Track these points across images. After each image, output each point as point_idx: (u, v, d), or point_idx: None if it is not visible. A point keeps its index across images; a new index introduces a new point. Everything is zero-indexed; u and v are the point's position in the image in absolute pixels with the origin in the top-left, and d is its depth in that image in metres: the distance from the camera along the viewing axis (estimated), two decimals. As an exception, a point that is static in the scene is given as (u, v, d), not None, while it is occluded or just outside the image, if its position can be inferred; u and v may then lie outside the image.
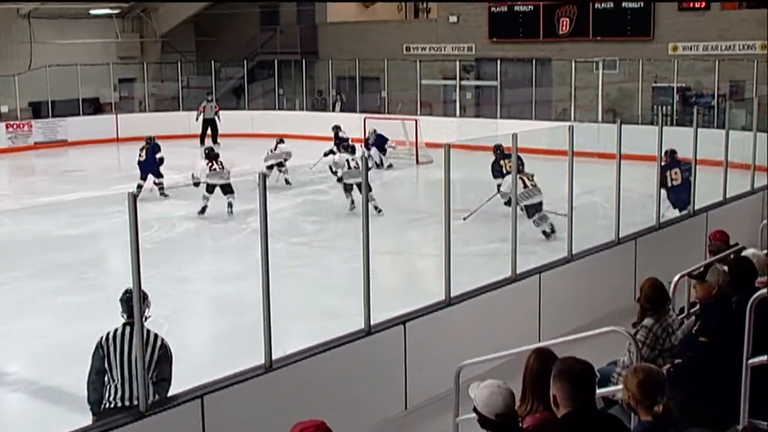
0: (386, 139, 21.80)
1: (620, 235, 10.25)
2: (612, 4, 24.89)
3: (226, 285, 11.58)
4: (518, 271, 8.76)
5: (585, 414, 4.05)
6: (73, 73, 27.60)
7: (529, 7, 26.45)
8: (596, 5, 25.12)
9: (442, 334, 7.86)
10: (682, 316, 6.92)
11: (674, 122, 22.33)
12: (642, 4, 24.39)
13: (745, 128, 16.93)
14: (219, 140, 25.99)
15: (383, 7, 31.44)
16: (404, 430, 7.38)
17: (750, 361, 5.11)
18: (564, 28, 25.83)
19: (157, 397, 5.88)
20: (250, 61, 31.36)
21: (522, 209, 13.50)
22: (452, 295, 7.97)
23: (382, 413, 7.34)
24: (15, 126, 26.57)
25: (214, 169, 16.43)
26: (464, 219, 14.16)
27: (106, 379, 5.92)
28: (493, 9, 27.15)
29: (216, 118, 26.89)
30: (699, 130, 11.78)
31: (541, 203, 13.95)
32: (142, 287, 5.77)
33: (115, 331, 5.97)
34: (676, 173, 13.38)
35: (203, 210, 16.22)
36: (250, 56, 31.72)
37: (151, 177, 18.19)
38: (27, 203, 17.85)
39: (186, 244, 14.59)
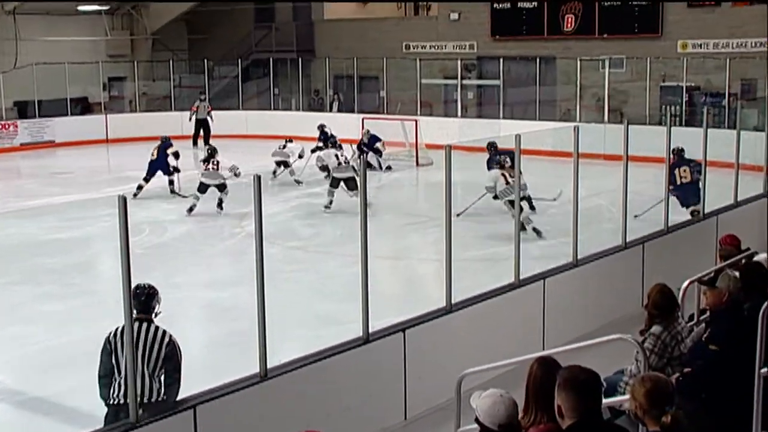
0: (378, 139, 21.76)
1: (627, 240, 10.25)
2: (619, 1, 24.90)
3: (219, 291, 11.58)
4: (521, 277, 8.76)
5: (591, 425, 4.06)
6: (60, 72, 27.57)
7: (533, 3, 26.48)
8: (602, 2, 25.14)
9: (442, 341, 7.86)
10: (691, 323, 6.92)
11: (683, 122, 22.35)
12: (650, 0, 24.41)
13: (757, 128, 16.99)
14: (211, 142, 25.95)
15: (382, 4, 31.47)
16: (404, 441, 7.39)
17: (762, 370, 5.11)
18: (569, 25, 25.86)
19: (165, 395, 5.99)
20: (244, 59, 31.36)
21: (506, 205, 14.17)
22: (453, 301, 7.96)
23: (381, 424, 7.34)
24: (0, 126, 26.57)
25: (208, 169, 16.77)
26: (458, 215, 14.18)
27: (114, 376, 6.00)
28: (495, 5, 27.17)
29: (209, 118, 26.88)
30: (709, 130, 11.81)
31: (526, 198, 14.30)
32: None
33: (124, 326, 5.98)
34: (684, 171, 13.62)
35: (191, 209, 16.49)
36: (245, 54, 31.74)
37: (156, 179, 18.32)
38: (13, 206, 17.84)
39: (178, 248, 14.59)
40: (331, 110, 29.11)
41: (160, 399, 6.00)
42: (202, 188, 16.61)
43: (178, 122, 27.57)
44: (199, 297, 11.73)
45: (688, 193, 13.36)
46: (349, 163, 17.30)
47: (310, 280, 12.35)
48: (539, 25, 26.34)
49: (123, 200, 5.51)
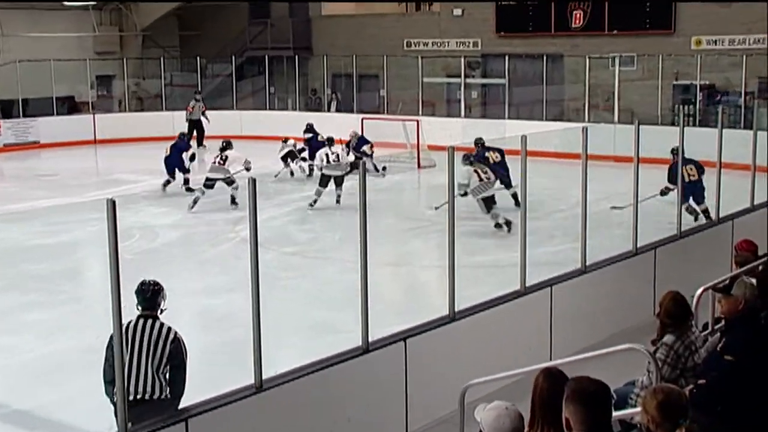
0: (366, 141, 21.63)
1: (638, 245, 10.25)
2: (629, -4, 24.94)
3: (213, 298, 11.58)
4: (528, 284, 8.76)
5: (600, 438, 4.06)
6: (46, 69, 27.56)
7: (540, -2, 26.52)
8: (612, -3, 25.18)
9: (445, 351, 7.86)
10: (705, 332, 6.93)
11: (697, 122, 22.38)
12: (662, -6, 24.45)
13: (774, 128, 16.97)
14: (205, 143, 26.00)
15: None
16: (405, 455, 7.39)
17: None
18: (577, 21, 25.88)
19: (168, 393, 6.18)
20: (238, 57, 31.40)
21: (479, 203, 14.64)
22: (457, 309, 7.96)
23: (381, 437, 7.35)
24: (-17, 127, 26.64)
25: (215, 163, 17.38)
26: (435, 209, 14.41)
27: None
28: (500, 1, 27.20)
29: (203, 118, 26.85)
30: (724, 130, 11.81)
31: (494, 197, 14.99)
32: (161, 282, 6.25)
33: (129, 323, 6.20)
34: (691, 169, 13.98)
35: (195, 202, 16.99)
36: (239, 52, 31.77)
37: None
38: (-4, 211, 17.85)
39: (169, 254, 14.59)
40: (328, 110, 29.15)
41: (163, 396, 6.18)
42: (208, 183, 17.19)
43: (169, 122, 27.58)
44: (192, 305, 11.70)
45: (697, 191, 13.87)
46: (339, 160, 17.51)
47: (307, 287, 12.36)
48: (546, 22, 26.36)
49: (112, 204, 5.51)
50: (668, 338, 6.19)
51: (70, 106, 29.47)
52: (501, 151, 16.64)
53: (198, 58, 30.62)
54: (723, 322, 6.68)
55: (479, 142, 16.91)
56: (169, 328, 6.27)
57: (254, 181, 6.31)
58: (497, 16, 27.34)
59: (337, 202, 17.39)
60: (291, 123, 27.11)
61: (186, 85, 30.65)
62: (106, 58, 31.13)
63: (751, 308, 6.22)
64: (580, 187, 9.47)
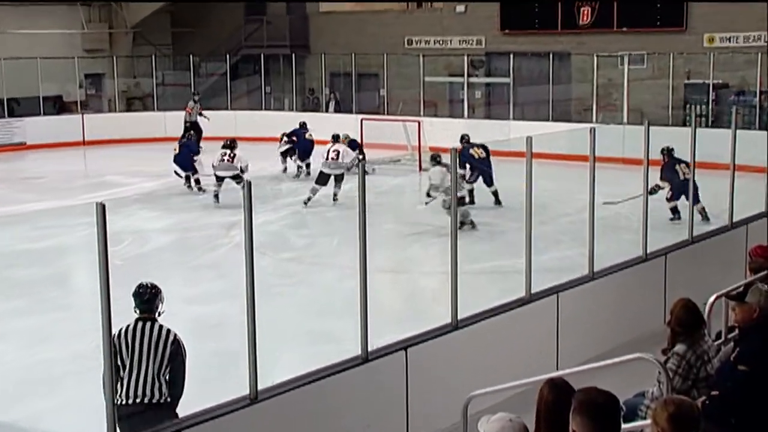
0: (357, 146, 21.60)
1: (648, 250, 10.25)
2: (639, -8, 24.95)
3: (206, 306, 11.58)
4: (533, 291, 8.76)
5: (609, 452, 4.06)
6: (32, 68, 27.55)
7: (546, -6, 26.54)
8: (621, -7, 25.19)
9: (447, 361, 7.86)
10: (718, 341, 6.92)
11: (709, 123, 22.38)
12: (673, -10, 24.46)
13: (791, 129, 16.98)
14: (202, 144, 25.94)
15: (382, -5, 31.56)
16: (406, 469, 7.39)
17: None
18: (585, 18, 25.90)
19: (169, 397, 6.36)
20: (233, 55, 31.43)
21: (443, 203, 14.88)
22: (459, 317, 7.97)
23: (381, 450, 7.34)
24: (-33, 127, 26.66)
25: (223, 161, 18.16)
26: (426, 204, 15.34)
27: (121, 374, 6.36)
28: (505, -3, 27.25)
29: (201, 119, 26.74)
30: (738, 131, 11.80)
31: (464, 197, 15.57)
32: (161, 287, 6.48)
33: (127, 327, 6.42)
34: (686, 167, 14.36)
35: (216, 196, 17.99)
36: (233, 50, 31.79)
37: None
38: (-19, 214, 17.85)
39: (161, 260, 14.59)
40: (327, 110, 29.16)
41: (163, 401, 6.35)
42: (219, 181, 18.04)
43: (161, 123, 27.63)
44: (184, 313, 11.65)
45: (684, 189, 13.98)
46: (338, 158, 17.61)
47: (304, 294, 12.36)
48: (553, 19, 26.39)
49: (101, 207, 5.51)
50: (679, 348, 6.19)
51: (58, 105, 29.49)
52: (486, 148, 17.34)
53: (191, 57, 30.63)
54: (737, 331, 6.68)
55: (464, 138, 17.80)
56: (169, 330, 6.46)
57: (249, 183, 6.31)
58: (501, 12, 27.36)
59: (334, 200, 17.46)
60: (288, 124, 27.00)
61: (179, 84, 30.66)
62: (96, 56, 31.13)
63: (765, 316, 6.22)
64: (587, 190, 9.47)
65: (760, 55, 22.31)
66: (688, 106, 23.49)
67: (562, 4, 26.18)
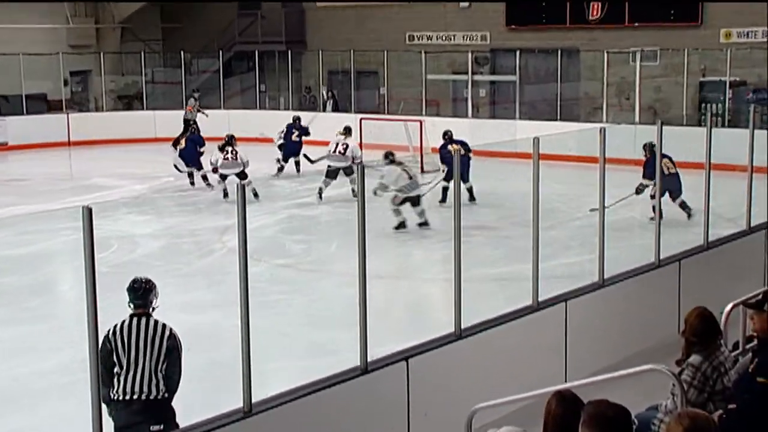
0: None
1: (661, 256, 10.25)
2: (652, -15, 24.96)
3: (198, 315, 11.56)
4: (540, 299, 8.76)
5: (621, 467, 4.06)
6: (15, 64, 27.58)
7: (554, -12, 26.57)
8: (633, -14, 25.21)
9: (451, 372, 7.86)
10: (736, 352, 6.92)
11: (726, 123, 22.39)
12: (687, -17, 24.45)
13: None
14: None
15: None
16: (407, 486, 7.38)
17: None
18: (595, 12, 25.92)
19: (166, 393, 6.50)
20: (226, 51, 31.47)
21: (393, 202, 15.57)
22: (463, 326, 7.96)
23: (381, 466, 7.34)
24: (-53, 127, 26.66)
25: (227, 159, 18.73)
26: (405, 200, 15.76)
27: (116, 371, 6.51)
28: (511, -9, 27.28)
29: (200, 116, 26.69)
30: (756, 131, 11.80)
31: (420, 196, 15.96)
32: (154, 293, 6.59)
33: (122, 323, 6.57)
34: (668, 161, 14.70)
35: (225, 194, 18.40)
36: (226, 46, 31.83)
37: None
38: (-40, 218, 17.85)
39: (150, 266, 14.54)
40: (324, 110, 29.13)
41: (161, 397, 6.49)
42: (223, 177, 18.59)
43: (150, 123, 27.64)
44: (175, 322, 11.68)
45: (675, 185, 14.80)
46: (345, 153, 18.24)
47: (300, 302, 12.36)
48: (561, 13, 26.40)
49: (88, 211, 5.51)
50: (695, 358, 6.19)
51: (42, 104, 29.44)
52: (465, 145, 17.88)
53: (182, 53, 30.65)
54: (755, 341, 6.67)
55: (447, 134, 18.41)
56: (164, 325, 6.61)
57: (243, 187, 6.33)
58: (507, 7, 27.38)
59: (354, 195, 17.56)
60: (283, 123, 27.12)
61: (169, 82, 30.65)
62: (82, 53, 31.15)
63: (785, 325, 6.22)
64: (597, 193, 9.47)
65: (778, 51, 22.35)
66: (703, 104, 23.51)
67: (571, -1, 26.22)
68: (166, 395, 6.53)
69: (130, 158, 24.60)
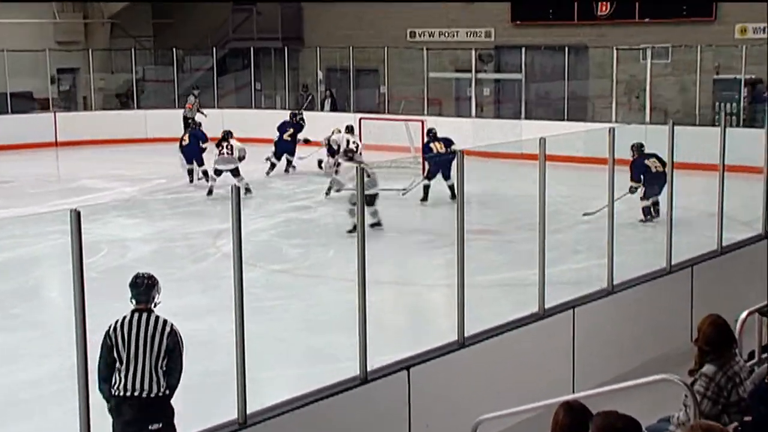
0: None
1: (673, 262, 10.25)
2: (663, -21, 24.95)
3: (191, 322, 11.44)
4: (547, 306, 8.77)
5: (631, 481, 4.06)
6: (-1, 61, 27.62)
7: (561, -17, 26.57)
8: (643, -20, 25.21)
9: (454, 382, 7.87)
10: (752, 362, 6.92)
11: (741, 122, 22.36)
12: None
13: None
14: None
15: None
16: (408, 500, 7.39)
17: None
18: (604, 8, 25.93)
19: (167, 389, 6.62)
20: (219, 48, 31.46)
21: (349, 202, 15.51)
22: (467, 334, 7.97)
23: (381, 479, 7.35)
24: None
25: (222, 154, 19.28)
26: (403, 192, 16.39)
27: (116, 366, 6.66)
28: (516, -14, 27.29)
29: (199, 114, 26.63)
30: (772, 131, 11.81)
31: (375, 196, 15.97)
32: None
33: (123, 318, 6.71)
34: (655, 160, 15.25)
35: (210, 192, 18.96)
36: (220, 43, 31.83)
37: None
38: (-57, 222, 17.85)
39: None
40: (322, 109, 29.13)
41: (162, 394, 6.62)
42: (218, 173, 19.16)
43: (141, 123, 27.63)
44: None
45: (661, 184, 14.39)
46: (357, 151, 18.96)
47: (297, 309, 12.35)
48: (568, 9, 26.40)
49: (76, 215, 5.52)
50: (708, 368, 6.18)
51: (28, 103, 29.40)
52: (449, 142, 18.63)
53: (174, 50, 30.65)
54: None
55: (431, 132, 19.35)
56: (165, 321, 6.73)
57: (238, 189, 6.33)
58: (513, 2, 27.39)
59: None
60: (279, 122, 27.17)
61: (161, 81, 30.63)
62: (69, 49, 31.14)
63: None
64: (605, 195, 9.48)
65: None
66: (717, 103, 23.48)
67: (579, -6, 26.22)
68: (167, 392, 6.63)
69: (120, 159, 24.60)
